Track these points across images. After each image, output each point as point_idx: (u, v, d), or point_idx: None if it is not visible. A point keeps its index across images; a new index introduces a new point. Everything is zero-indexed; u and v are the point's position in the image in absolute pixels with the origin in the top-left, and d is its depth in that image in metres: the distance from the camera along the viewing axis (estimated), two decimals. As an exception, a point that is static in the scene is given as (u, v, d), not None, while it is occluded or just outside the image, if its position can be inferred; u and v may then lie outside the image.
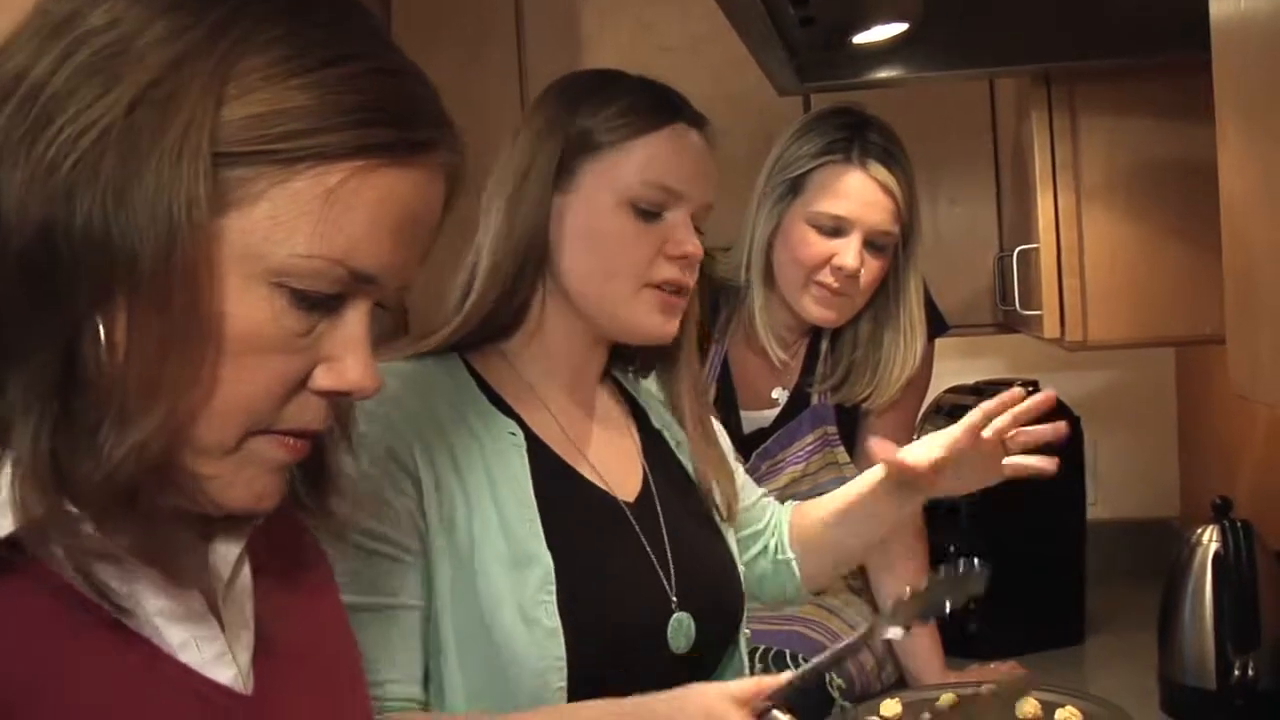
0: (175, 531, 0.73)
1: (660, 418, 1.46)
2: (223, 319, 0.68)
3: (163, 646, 0.73)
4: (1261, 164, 0.74)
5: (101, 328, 0.67)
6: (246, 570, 0.81)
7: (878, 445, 1.44)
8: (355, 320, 0.74)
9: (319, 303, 0.72)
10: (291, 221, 0.69)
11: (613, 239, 1.30)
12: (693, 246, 1.31)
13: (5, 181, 0.66)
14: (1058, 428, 1.45)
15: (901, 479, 1.44)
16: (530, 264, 1.32)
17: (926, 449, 1.42)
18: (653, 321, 1.32)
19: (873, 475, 1.48)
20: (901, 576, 1.86)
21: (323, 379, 0.73)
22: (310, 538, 0.92)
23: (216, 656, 0.75)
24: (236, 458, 0.72)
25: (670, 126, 1.32)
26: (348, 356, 0.74)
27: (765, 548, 1.56)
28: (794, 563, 1.55)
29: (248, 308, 0.69)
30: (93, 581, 0.67)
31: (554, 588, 1.23)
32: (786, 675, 1.19)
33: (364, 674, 0.96)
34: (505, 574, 1.23)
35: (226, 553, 0.78)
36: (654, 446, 1.44)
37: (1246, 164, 0.77)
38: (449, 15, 2.38)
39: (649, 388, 1.49)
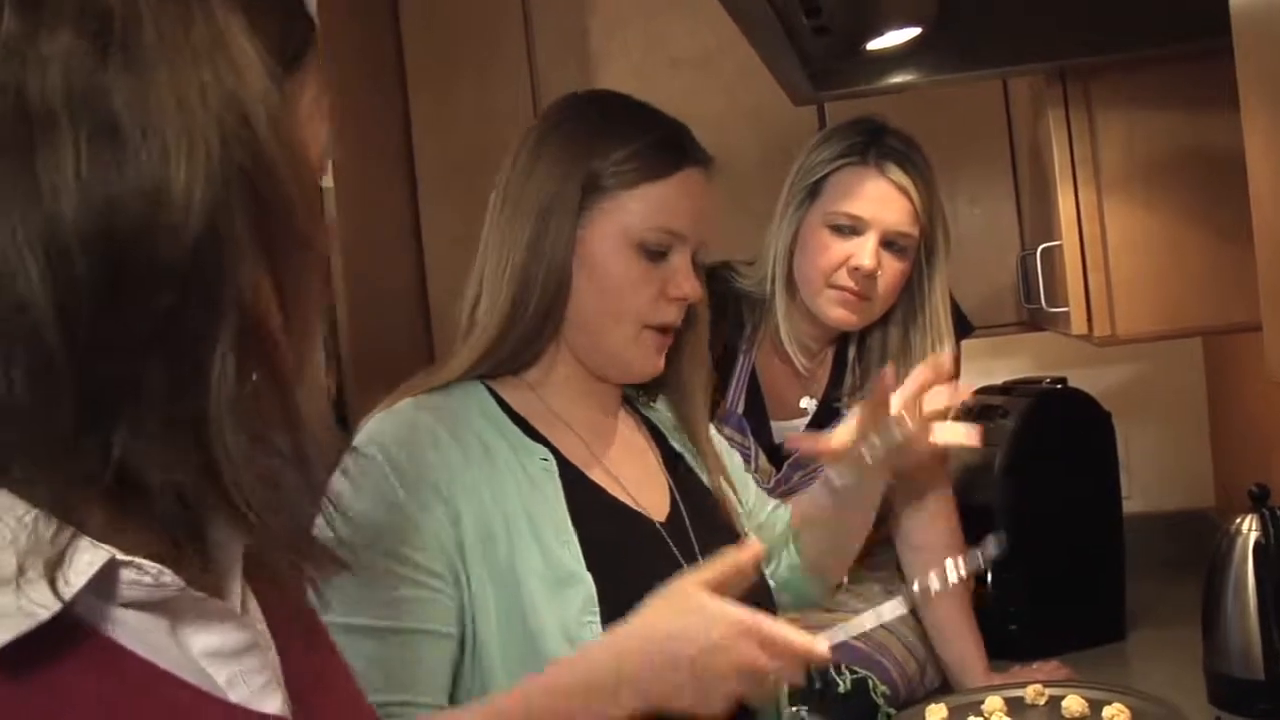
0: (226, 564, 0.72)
1: (679, 441, 1.48)
2: None
3: (213, 691, 0.69)
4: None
5: None
6: (251, 597, 0.78)
7: (791, 440, 1.59)
8: None
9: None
10: None
11: (620, 281, 1.31)
12: (691, 288, 1.34)
13: None
14: (955, 388, 1.53)
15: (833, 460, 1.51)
16: (556, 304, 1.32)
17: (839, 433, 1.51)
18: (648, 362, 1.36)
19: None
20: (933, 532, 1.91)
21: None
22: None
23: (263, 686, 0.74)
24: None
25: (680, 172, 1.32)
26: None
27: (781, 558, 1.58)
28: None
29: None
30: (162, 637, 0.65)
31: (598, 609, 1.23)
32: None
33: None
34: (547, 595, 1.23)
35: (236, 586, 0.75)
36: (676, 467, 1.45)
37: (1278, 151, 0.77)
38: (459, 33, 2.39)
39: (662, 412, 1.51)
